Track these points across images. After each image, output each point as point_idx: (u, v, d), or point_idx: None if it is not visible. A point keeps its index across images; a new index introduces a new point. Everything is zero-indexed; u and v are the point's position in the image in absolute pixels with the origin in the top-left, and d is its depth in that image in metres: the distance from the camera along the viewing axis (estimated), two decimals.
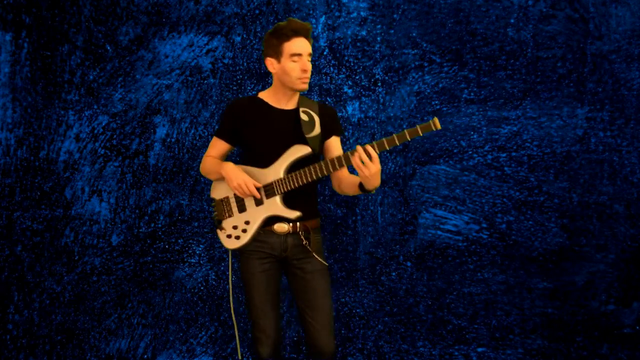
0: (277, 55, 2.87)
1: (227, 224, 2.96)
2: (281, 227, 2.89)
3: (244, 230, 2.91)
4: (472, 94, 4.12)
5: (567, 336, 4.10)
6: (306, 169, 2.82)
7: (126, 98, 4.11)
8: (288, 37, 2.83)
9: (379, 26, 4.13)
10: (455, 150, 4.12)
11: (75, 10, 4.10)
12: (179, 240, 4.13)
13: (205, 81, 4.12)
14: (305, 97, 3.01)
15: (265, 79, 4.13)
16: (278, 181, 2.86)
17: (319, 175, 2.81)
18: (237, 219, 2.94)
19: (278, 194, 2.87)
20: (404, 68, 4.14)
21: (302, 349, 4.13)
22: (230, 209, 2.96)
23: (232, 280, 3.14)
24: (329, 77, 4.14)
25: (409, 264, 4.12)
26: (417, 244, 4.12)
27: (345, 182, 2.93)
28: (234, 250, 2.98)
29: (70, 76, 4.11)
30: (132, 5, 4.11)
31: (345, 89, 4.14)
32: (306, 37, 2.87)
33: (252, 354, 2.97)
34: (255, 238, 2.91)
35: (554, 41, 4.10)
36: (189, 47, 4.12)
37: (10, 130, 4.09)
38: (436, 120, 2.63)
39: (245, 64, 4.13)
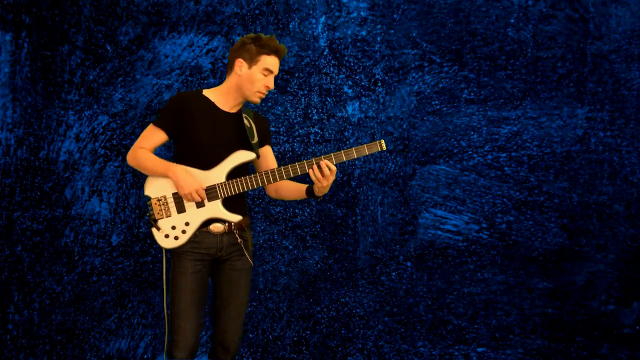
0: (251, 61, 2.88)
1: (165, 223, 2.92)
2: (217, 227, 2.91)
3: (184, 231, 2.90)
4: (472, 94, 4.12)
5: (567, 336, 4.10)
6: (256, 176, 2.86)
7: (126, 98, 4.11)
8: (269, 52, 2.87)
9: (379, 26, 4.13)
10: (455, 150, 4.12)
11: (75, 10, 4.10)
12: None
13: (205, 81, 4.12)
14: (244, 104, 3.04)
15: None
16: (221, 185, 2.87)
17: (268, 182, 2.86)
18: (176, 219, 2.92)
19: (220, 197, 2.88)
20: (404, 68, 4.14)
21: (302, 349, 4.14)
22: (168, 208, 2.93)
23: (166, 280, 3.07)
24: (329, 77, 4.14)
25: (409, 264, 4.13)
26: (417, 244, 4.12)
27: (285, 188, 3.01)
28: (171, 250, 2.96)
29: (70, 76, 4.11)
30: (132, 5, 4.11)
31: (345, 89, 4.14)
32: (280, 59, 2.93)
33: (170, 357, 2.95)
34: (190, 239, 2.92)
35: (554, 41, 4.10)
36: (189, 47, 4.12)
37: (10, 130, 4.09)
38: (382, 142, 2.81)
39: None
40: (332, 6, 4.13)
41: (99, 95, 4.12)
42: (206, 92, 2.97)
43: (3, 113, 4.09)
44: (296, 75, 4.13)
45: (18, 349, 4.10)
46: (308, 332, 4.15)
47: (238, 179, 2.86)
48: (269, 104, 4.13)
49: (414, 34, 4.13)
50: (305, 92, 4.14)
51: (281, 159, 4.12)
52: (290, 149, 4.13)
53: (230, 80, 2.93)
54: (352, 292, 4.15)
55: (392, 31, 4.13)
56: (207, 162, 2.89)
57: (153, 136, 2.95)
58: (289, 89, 4.13)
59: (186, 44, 4.12)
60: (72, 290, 4.11)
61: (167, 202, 2.93)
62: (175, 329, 2.92)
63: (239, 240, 2.93)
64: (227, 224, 2.92)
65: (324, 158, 2.82)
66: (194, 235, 2.91)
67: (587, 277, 4.11)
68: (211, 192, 2.88)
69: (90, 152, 4.11)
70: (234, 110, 2.96)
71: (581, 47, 4.09)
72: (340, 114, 4.14)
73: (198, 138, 2.89)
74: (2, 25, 4.08)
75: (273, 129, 4.13)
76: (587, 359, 4.10)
